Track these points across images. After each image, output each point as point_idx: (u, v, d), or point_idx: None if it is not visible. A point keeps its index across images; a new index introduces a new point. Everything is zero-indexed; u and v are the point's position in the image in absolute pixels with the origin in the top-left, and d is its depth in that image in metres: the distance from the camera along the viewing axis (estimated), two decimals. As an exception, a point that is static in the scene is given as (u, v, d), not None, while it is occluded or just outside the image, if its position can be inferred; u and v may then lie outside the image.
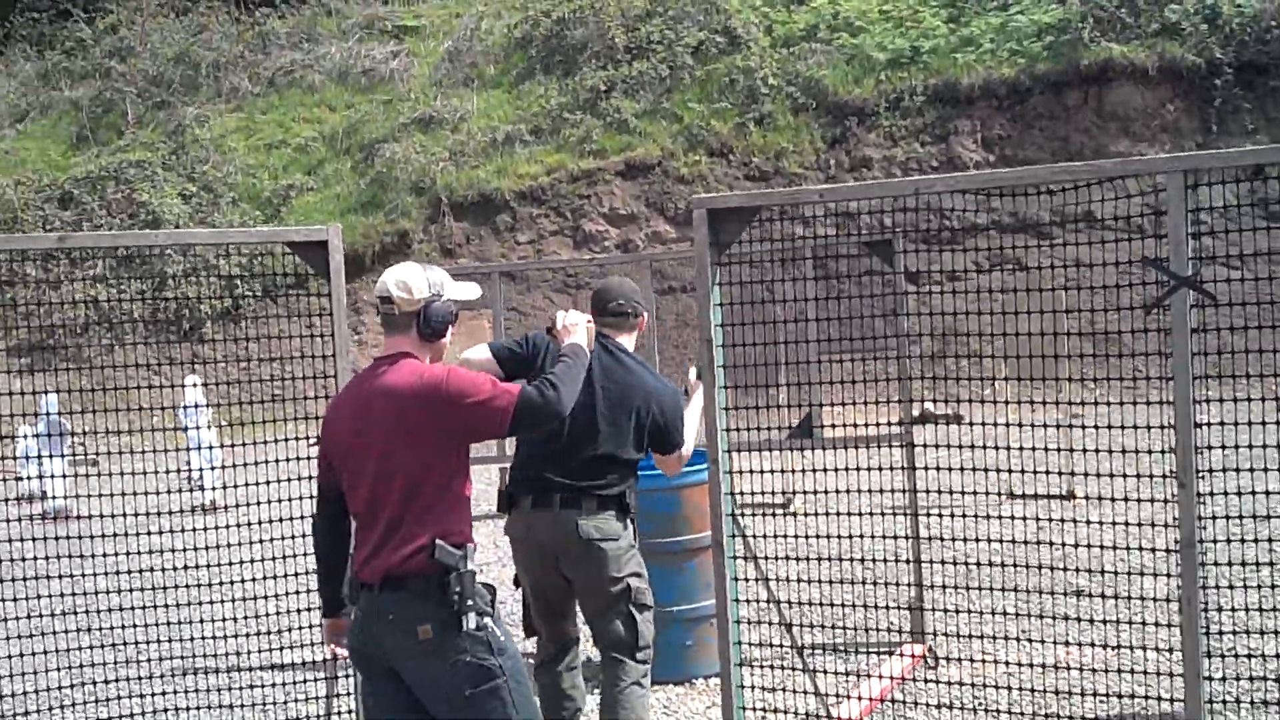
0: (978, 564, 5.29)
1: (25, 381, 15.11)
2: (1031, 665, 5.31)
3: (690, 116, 20.02)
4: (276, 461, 5.43)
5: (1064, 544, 5.02)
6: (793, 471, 5.46)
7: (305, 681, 5.27)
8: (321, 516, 3.70)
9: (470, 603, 3.33)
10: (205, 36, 25.25)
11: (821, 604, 5.45)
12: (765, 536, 4.74)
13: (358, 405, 3.50)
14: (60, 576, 5.58)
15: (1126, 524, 4.87)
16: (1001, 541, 5.16)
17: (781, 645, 5.11)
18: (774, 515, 8.45)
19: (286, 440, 5.86)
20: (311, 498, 5.26)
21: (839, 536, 4.91)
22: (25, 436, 12.37)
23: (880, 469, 5.18)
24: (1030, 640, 5.38)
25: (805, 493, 5.07)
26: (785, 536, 5.13)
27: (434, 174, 20.56)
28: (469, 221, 20.45)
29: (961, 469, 4.89)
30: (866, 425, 5.79)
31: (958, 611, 5.39)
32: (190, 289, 19.13)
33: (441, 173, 20.58)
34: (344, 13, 26.14)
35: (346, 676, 4.74)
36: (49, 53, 26.35)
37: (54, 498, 11.28)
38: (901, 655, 5.61)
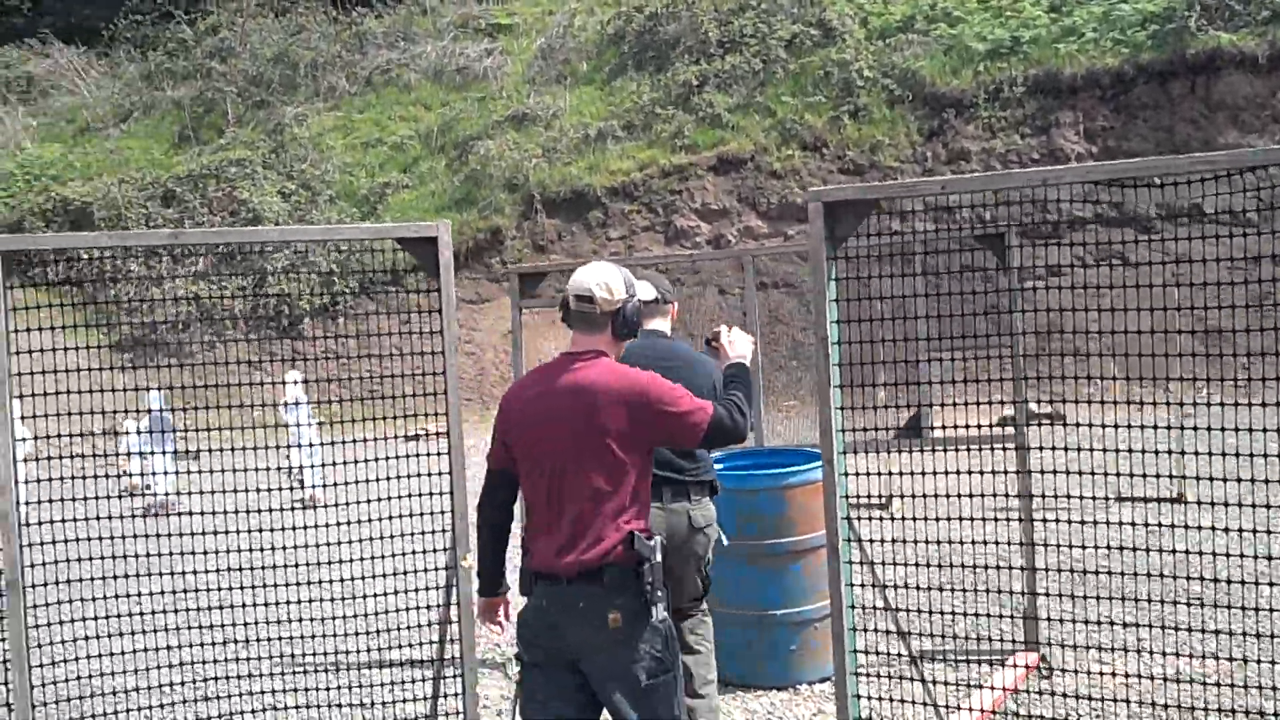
0: (1088, 571, 5.12)
1: (129, 377, 15.47)
2: (1151, 678, 5.13)
3: (783, 110, 19.85)
4: (384, 459, 5.44)
5: (1175, 550, 4.84)
6: (899, 474, 5.32)
7: (413, 682, 5.27)
8: (490, 498, 3.73)
9: (660, 594, 3.44)
10: (303, 36, 25.63)
11: (929, 611, 5.33)
12: (873, 541, 4.63)
13: (549, 397, 3.52)
14: (170, 574, 5.66)
15: (1241, 530, 4.68)
16: (1112, 548, 4.98)
17: (887, 653, 5.00)
18: (875, 519, 8.31)
19: (398, 438, 5.88)
20: (409, 496, 5.30)
21: (947, 541, 4.79)
22: (130, 432, 12.62)
23: (990, 472, 5.04)
24: (1149, 651, 5.20)
25: (912, 497, 4.94)
26: (893, 541, 5.00)
27: (527, 170, 20.66)
28: (561, 218, 20.51)
29: (1074, 472, 4.74)
30: (977, 426, 5.63)
31: (1072, 621, 5.23)
32: (290, 285, 19.38)
33: (534, 169, 20.67)
34: (439, 12, 26.36)
35: (455, 676, 4.73)
36: (152, 54, 26.92)
37: (163, 493, 11.48)
38: (1014, 665, 5.45)
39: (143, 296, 19.07)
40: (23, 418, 5.79)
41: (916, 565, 5.15)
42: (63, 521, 5.19)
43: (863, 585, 4.52)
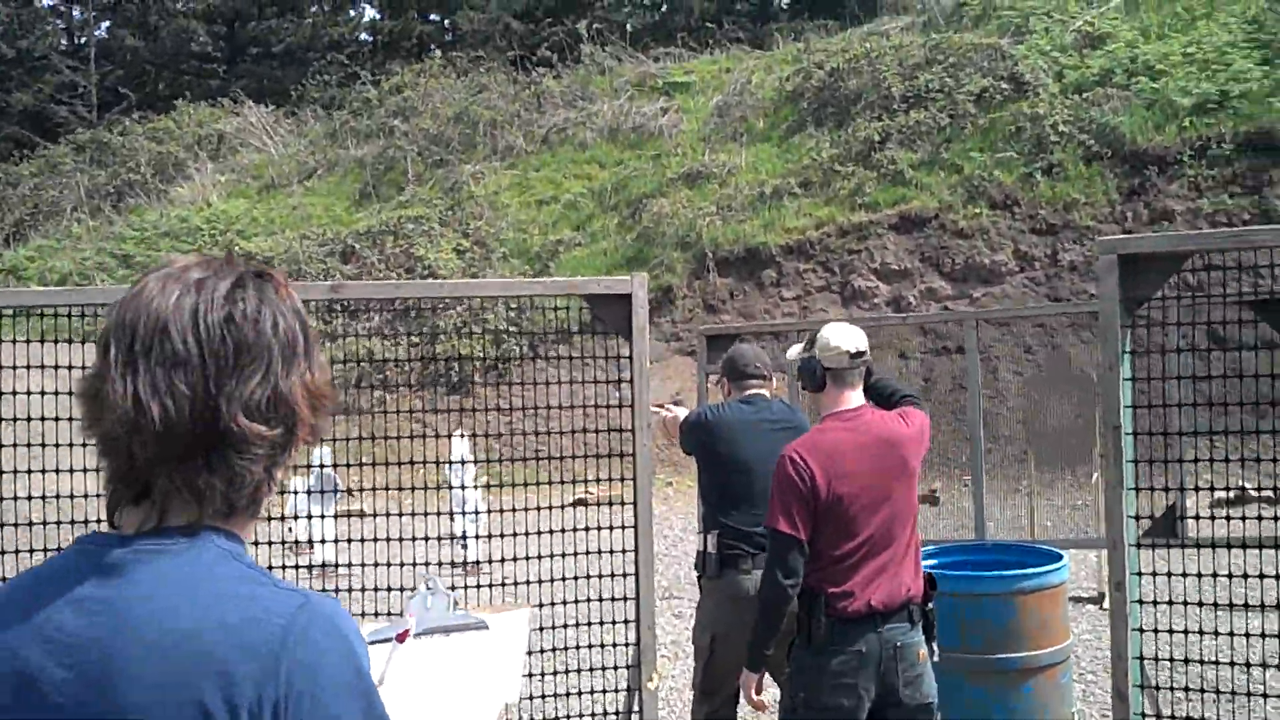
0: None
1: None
2: None
3: (971, 167, 18.95)
4: (554, 532, 4.90)
5: None
6: (1149, 575, 4.50)
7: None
8: (792, 571, 3.74)
9: (936, 631, 3.82)
10: (484, 96, 25.85)
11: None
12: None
13: (865, 452, 3.74)
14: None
15: None
16: None
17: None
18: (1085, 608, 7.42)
19: (563, 507, 5.34)
20: (585, 552, 4.75)
21: (1198, 660, 3.98)
22: (298, 491, 12.35)
23: (1258, 575, 4.20)
24: None
25: (1154, 603, 4.10)
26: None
27: (700, 228, 20.18)
28: (734, 277, 19.94)
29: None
30: (1242, 517, 4.76)
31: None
32: (461, 344, 19.24)
33: (707, 227, 20.18)
34: (616, 71, 26.32)
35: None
36: (337, 113, 27.56)
37: (322, 556, 11.20)
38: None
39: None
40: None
41: (1187, 661, 4.32)
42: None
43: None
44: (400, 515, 5.19)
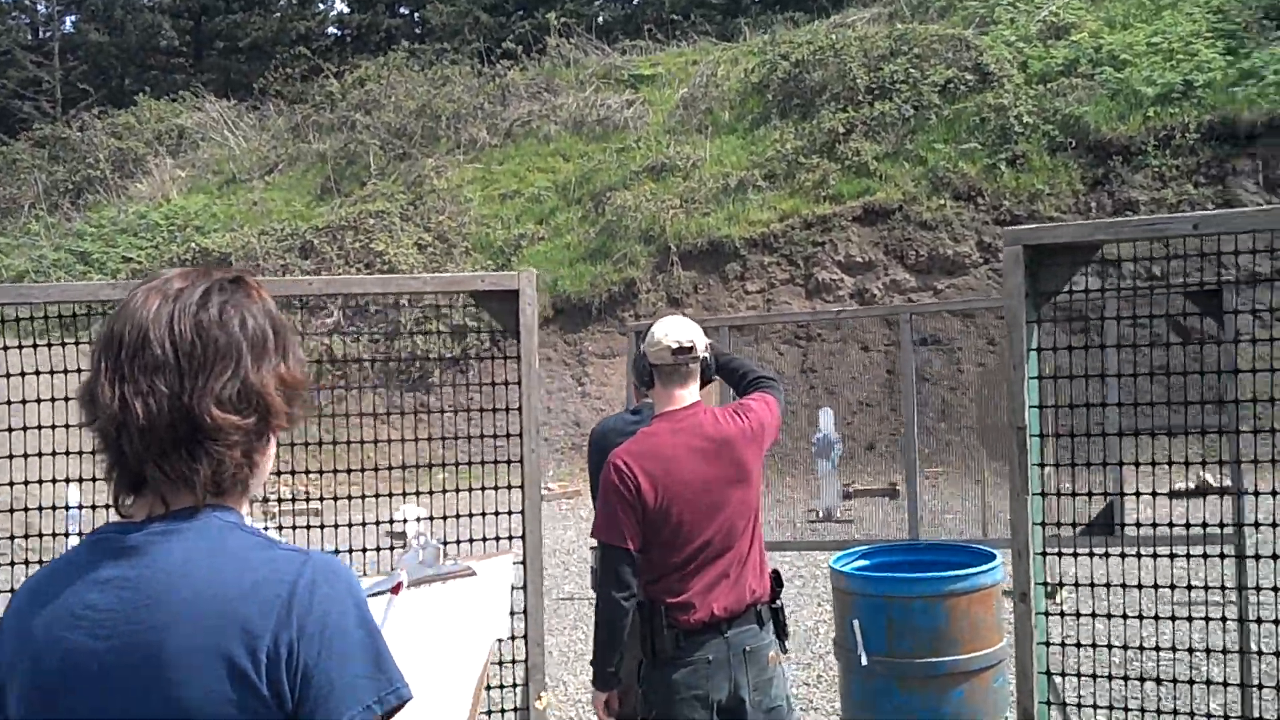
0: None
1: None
2: None
3: (935, 158, 18.82)
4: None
5: None
6: (1090, 585, 4.34)
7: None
8: (629, 584, 3.54)
9: (788, 630, 3.72)
10: (447, 89, 25.59)
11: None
12: (1049, 644, 3.64)
13: (696, 456, 3.56)
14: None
15: None
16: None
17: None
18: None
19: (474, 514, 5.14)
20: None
21: (1137, 647, 3.82)
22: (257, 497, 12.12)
23: (1202, 586, 4.05)
24: None
25: (1090, 585, 3.95)
26: (1063, 644, 4.00)
27: (663, 222, 19.99)
28: (697, 270, 19.77)
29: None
30: (1186, 525, 4.62)
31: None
32: (420, 340, 19.01)
33: (671, 220, 19.99)
34: (582, 64, 26.10)
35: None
36: (299, 106, 27.23)
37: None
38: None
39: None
40: (81, 480, 5.18)
41: (1095, 676, 4.16)
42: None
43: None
44: (335, 526, 5.01)
